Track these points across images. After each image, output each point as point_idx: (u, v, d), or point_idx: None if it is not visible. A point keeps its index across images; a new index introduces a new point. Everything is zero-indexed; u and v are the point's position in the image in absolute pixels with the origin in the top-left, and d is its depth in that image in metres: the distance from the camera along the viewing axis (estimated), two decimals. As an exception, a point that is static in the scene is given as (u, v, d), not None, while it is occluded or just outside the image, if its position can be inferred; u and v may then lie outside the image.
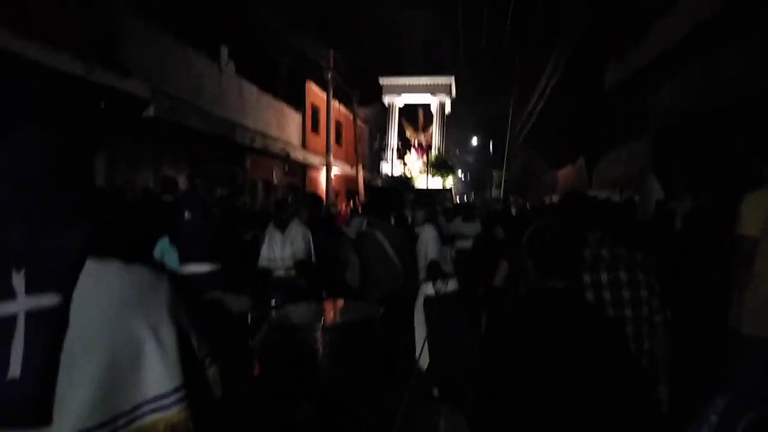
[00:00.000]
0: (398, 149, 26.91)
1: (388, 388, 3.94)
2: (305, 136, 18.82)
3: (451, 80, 27.39)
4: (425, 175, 23.96)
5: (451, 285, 4.89)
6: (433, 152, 25.64)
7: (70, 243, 1.03)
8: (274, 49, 16.25)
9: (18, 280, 0.97)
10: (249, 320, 3.16)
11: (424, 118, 27.57)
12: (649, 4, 8.33)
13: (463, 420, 2.96)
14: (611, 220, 2.64)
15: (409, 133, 27.38)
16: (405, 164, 25.66)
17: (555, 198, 16.46)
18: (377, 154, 28.34)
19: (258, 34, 14.97)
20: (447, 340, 4.73)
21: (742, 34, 6.03)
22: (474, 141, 43.99)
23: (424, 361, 4.73)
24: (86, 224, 1.08)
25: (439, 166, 24.83)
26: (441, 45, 29.37)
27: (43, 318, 0.96)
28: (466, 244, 6.80)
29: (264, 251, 4.93)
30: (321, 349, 3.01)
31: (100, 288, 1.03)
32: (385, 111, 28.16)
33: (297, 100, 18.18)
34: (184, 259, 4.27)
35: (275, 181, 16.00)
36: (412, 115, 27.67)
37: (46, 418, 0.94)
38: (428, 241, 4.88)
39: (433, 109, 27.72)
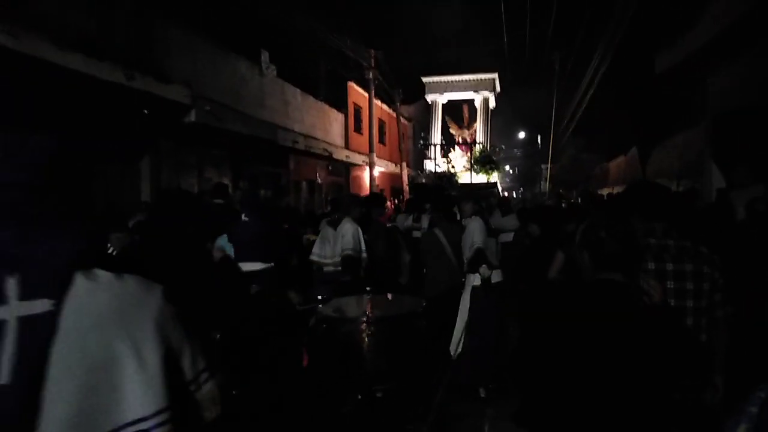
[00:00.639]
0: (442, 146, 26.68)
1: (428, 382, 4.01)
2: (348, 135, 18.87)
3: (494, 76, 26.96)
4: (469, 171, 23.69)
5: (496, 277, 4.89)
6: (477, 148, 25.29)
7: (65, 249, 1.01)
8: (314, 51, 16.35)
9: (11, 286, 0.96)
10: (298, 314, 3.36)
11: (469, 114, 27.33)
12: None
13: (509, 424, 2.85)
14: (675, 211, 2.56)
15: (453, 130, 27.18)
16: (449, 161, 25.45)
17: (606, 191, 15.81)
18: (421, 151, 28.14)
19: (298, 36, 15.09)
20: (488, 329, 4.74)
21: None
22: (521, 135, 43.12)
23: (458, 350, 4.77)
24: (81, 231, 1.07)
25: (483, 162, 24.50)
26: (484, 40, 29.02)
27: (35, 324, 0.95)
28: (508, 237, 6.72)
29: (316, 248, 5.13)
30: (365, 341, 3.10)
31: (86, 300, 0.99)
32: (429, 109, 28.00)
33: (339, 101, 18.25)
34: (241, 258, 4.43)
35: (319, 180, 16.10)
36: (456, 111, 27.46)
37: (31, 429, 0.91)
38: (475, 232, 4.91)
39: (477, 105, 27.38)
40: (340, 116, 18.27)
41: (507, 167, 38.45)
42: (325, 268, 5.05)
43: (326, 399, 3.26)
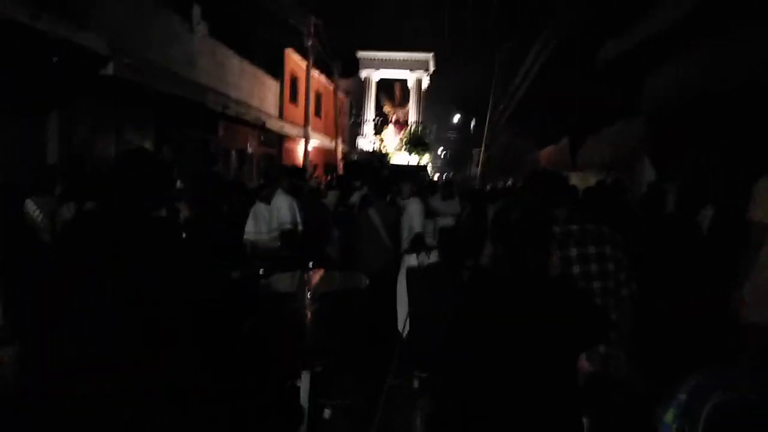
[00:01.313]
0: (375, 124, 26.51)
1: (372, 363, 4.19)
2: (283, 105, 18.09)
3: (429, 57, 27.07)
4: (401, 151, 23.74)
5: (433, 257, 5.06)
6: (410, 129, 25.35)
7: None
8: (251, 12, 15.39)
9: None
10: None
11: (401, 93, 27.32)
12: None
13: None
14: (596, 200, 2.79)
15: (387, 108, 27.06)
16: (382, 140, 25.36)
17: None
18: (354, 128, 27.81)
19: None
20: (428, 311, 4.74)
21: (749, 15, 5.65)
22: (456, 119, 43.52)
23: (406, 332, 4.85)
24: None
25: (414, 143, 24.64)
26: (421, 19, 28.87)
27: None
28: (447, 221, 6.64)
29: (249, 226, 4.87)
30: (308, 317, 3.08)
31: None
32: (362, 85, 27.61)
33: (275, 68, 17.40)
34: None
35: (250, 150, 15.32)
36: (390, 90, 27.34)
37: None
38: (414, 214, 4.99)
39: (410, 84, 27.38)
40: (275, 84, 17.44)
41: (440, 150, 38.75)
42: (261, 244, 4.83)
43: (268, 374, 3.29)
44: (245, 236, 4.88)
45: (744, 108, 5.71)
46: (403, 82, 27.65)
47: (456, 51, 28.27)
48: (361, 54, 26.97)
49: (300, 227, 4.81)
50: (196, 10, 11.28)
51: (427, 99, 29.50)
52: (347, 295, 3.41)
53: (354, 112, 27.91)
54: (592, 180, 7.96)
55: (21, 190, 4.69)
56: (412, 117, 26.58)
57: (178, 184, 4.54)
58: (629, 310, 2.48)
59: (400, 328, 4.93)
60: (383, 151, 24.00)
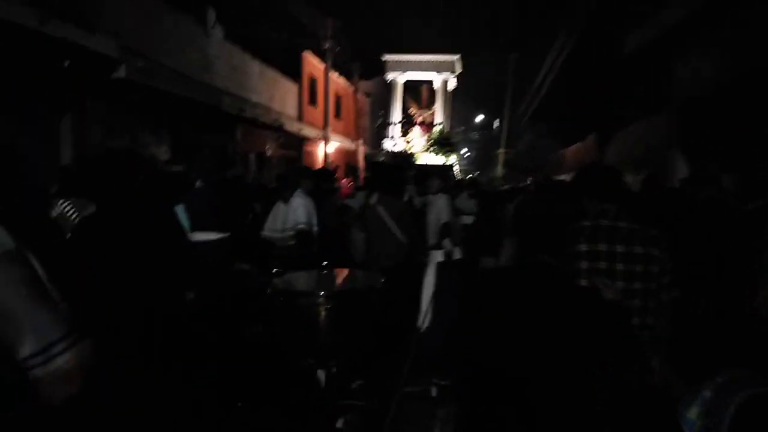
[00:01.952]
0: (402, 126, 26.31)
1: (387, 361, 4.09)
2: (302, 108, 18.01)
3: (455, 58, 26.68)
4: (427, 152, 23.50)
5: (457, 254, 5.12)
6: (437, 129, 25.11)
7: None
8: (268, 16, 15.35)
9: None
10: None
11: (427, 95, 27.06)
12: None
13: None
14: (626, 193, 2.58)
15: (413, 110, 26.85)
16: (408, 141, 25.19)
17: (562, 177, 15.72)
18: (379, 129, 27.68)
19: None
20: (450, 306, 4.76)
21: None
22: (479, 119, 43.04)
23: (425, 324, 4.87)
24: None
25: (441, 144, 24.41)
26: (446, 21, 28.56)
27: None
28: (468, 220, 6.65)
29: (268, 223, 5.15)
30: (322, 315, 3.04)
31: None
32: (387, 87, 27.47)
33: (293, 71, 17.32)
34: (195, 227, 4.43)
35: (269, 153, 15.26)
36: (416, 91, 27.11)
37: None
38: (442, 207, 5.08)
39: (437, 86, 27.09)
40: (293, 87, 17.37)
41: (464, 150, 38.39)
42: (278, 243, 5.09)
43: (282, 372, 3.29)
44: (263, 233, 5.18)
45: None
46: (429, 83, 27.40)
47: (478, 52, 28.01)
48: (388, 57, 26.74)
49: (315, 228, 5.00)
50: (211, 14, 11.23)
51: (454, 100, 29.22)
52: (361, 293, 3.37)
53: (381, 113, 27.79)
54: (628, 178, 7.58)
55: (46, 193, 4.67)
56: (438, 118, 26.34)
57: (198, 184, 4.63)
58: (667, 317, 2.41)
59: (420, 321, 4.90)
60: (410, 152, 23.83)
